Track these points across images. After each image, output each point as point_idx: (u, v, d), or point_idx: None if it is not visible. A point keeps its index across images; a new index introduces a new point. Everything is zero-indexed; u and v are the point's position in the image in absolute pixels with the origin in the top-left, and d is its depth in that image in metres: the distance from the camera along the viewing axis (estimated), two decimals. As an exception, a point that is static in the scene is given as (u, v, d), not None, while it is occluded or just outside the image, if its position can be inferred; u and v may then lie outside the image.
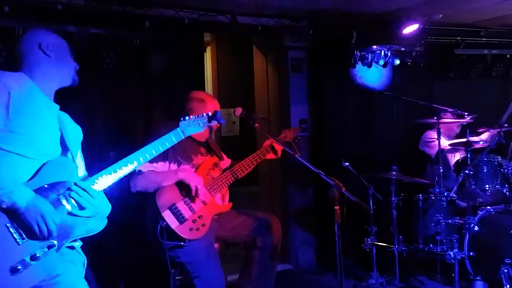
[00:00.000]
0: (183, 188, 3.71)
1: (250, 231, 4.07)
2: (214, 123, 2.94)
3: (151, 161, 3.63)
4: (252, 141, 6.31)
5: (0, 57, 4.02)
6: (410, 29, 5.53)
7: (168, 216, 3.60)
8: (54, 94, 2.63)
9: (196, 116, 2.86)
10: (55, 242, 2.34)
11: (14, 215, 2.23)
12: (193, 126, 2.82)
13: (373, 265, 4.79)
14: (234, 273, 4.36)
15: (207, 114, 2.90)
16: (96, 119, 4.66)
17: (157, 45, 4.74)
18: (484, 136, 5.33)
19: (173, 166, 3.78)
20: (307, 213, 5.97)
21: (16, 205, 2.22)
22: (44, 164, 2.41)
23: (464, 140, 4.85)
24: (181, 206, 3.68)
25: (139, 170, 3.63)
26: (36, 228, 2.26)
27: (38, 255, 2.27)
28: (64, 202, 2.41)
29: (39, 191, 2.34)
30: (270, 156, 4.21)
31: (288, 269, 5.86)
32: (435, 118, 4.83)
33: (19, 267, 2.20)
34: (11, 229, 2.24)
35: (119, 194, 2.88)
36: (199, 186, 3.70)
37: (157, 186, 3.64)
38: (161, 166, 3.73)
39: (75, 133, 2.68)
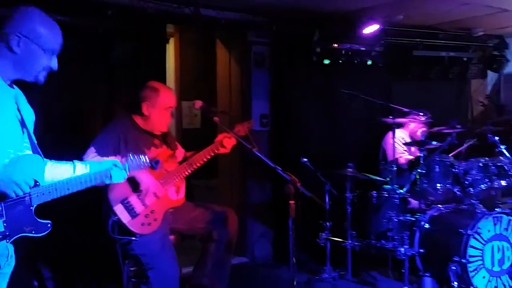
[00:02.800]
0: (135, 183, 3.66)
1: (206, 224, 4.09)
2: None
3: (101, 155, 3.57)
4: (213, 134, 6.28)
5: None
6: (370, 29, 5.60)
7: (120, 210, 3.59)
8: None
9: (139, 157, 2.89)
10: (8, 233, 2.29)
11: None
12: (135, 165, 2.86)
13: (327, 260, 4.88)
14: (191, 265, 4.36)
15: (150, 160, 2.94)
16: (56, 107, 4.59)
17: (120, 35, 4.71)
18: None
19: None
20: (265, 207, 6.03)
21: None
22: (19, 157, 2.37)
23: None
24: (134, 200, 3.66)
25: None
26: (13, 195, 2.28)
27: None
28: (27, 199, 2.38)
29: None
30: (223, 150, 4.17)
31: (244, 262, 5.89)
32: (391, 117, 4.94)
33: None
34: None
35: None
36: (150, 188, 3.70)
37: None
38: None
39: (29, 114, 2.63)
